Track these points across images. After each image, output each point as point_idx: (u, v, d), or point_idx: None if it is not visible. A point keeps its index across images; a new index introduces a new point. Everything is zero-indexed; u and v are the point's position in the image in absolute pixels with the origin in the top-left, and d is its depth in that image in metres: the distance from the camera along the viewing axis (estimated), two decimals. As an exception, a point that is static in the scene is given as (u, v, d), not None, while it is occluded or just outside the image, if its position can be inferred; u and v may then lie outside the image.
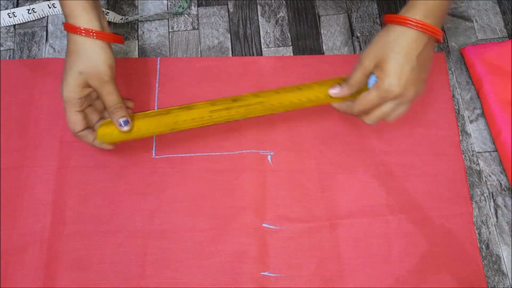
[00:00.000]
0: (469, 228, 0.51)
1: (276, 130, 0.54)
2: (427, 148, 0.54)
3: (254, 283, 0.49)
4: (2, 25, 0.59)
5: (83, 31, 0.45)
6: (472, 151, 0.54)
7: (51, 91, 0.56)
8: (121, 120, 0.47)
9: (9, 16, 0.59)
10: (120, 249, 0.50)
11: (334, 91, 0.48)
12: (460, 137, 0.54)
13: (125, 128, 0.47)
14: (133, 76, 0.56)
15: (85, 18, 0.45)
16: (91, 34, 0.45)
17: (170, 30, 0.59)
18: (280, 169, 0.53)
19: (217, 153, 0.53)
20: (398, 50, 0.44)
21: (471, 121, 0.55)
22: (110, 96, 0.47)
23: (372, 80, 0.46)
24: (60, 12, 0.60)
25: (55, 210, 0.51)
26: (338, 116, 0.55)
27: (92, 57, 0.46)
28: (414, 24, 0.44)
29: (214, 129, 0.54)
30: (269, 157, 0.53)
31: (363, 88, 0.47)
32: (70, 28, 0.45)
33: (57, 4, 0.59)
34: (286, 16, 0.60)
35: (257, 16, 0.60)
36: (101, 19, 0.47)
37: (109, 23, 0.59)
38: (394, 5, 0.60)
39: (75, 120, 0.47)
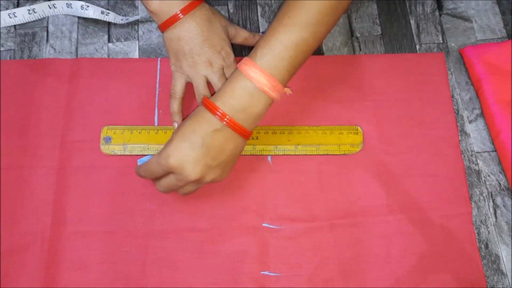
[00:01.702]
0: (469, 228, 0.51)
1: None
2: (426, 148, 0.54)
3: (254, 282, 0.49)
4: (3, 26, 0.59)
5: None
6: (471, 151, 0.54)
7: (52, 91, 0.56)
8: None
9: (9, 16, 0.59)
10: (120, 249, 0.50)
11: None
12: (459, 137, 0.55)
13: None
14: (133, 76, 0.56)
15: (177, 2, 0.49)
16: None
17: (170, 31, 0.59)
18: (280, 169, 0.53)
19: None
20: (188, 126, 0.44)
21: (470, 121, 0.55)
22: (242, 29, 0.55)
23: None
24: (61, 13, 0.60)
25: (55, 210, 0.51)
26: (338, 116, 0.55)
27: (216, 11, 0.53)
28: (220, 116, 0.43)
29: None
30: (269, 157, 0.53)
31: None
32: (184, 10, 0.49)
33: (58, 4, 0.59)
34: (286, 17, 0.60)
35: (257, 16, 0.60)
36: None
37: (109, 23, 0.60)
38: (393, 5, 0.61)
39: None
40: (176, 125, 0.52)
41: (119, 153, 0.53)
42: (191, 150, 0.43)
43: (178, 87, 0.52)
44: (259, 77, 0.43)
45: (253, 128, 0.46)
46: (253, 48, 0.46)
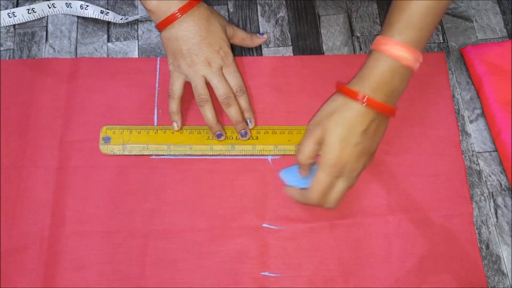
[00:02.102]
0: (469, 228, 0.51)
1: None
2: (427, 148, 0.54)
3: (254, 283, 0.49)
4: (2, 25, 0.59)
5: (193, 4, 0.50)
6: (472, 151, 0.54)
7: (51, 91, 0.56)
8: (259, 35, 0.57)
9: (9, 16, 0.59)
10: (120, 249, 0.50)
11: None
12: (460, 137, 0.54)
13: (266, 36, 0.58)
14: (133, 76, 0.56)
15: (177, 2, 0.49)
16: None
17: (170, 30, 0.59)
18: (280, 169, 0.53)
19: (217, 156, 0.53)
20: (341, 123, 0.44)
21: (471, 121, 0.55)
22: (240, 29, 0.56)
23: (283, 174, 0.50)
24: (60, 12, 0.59)
25: (55, 210, 0.51)
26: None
27: (215, 11, 0.53)
28: (361, 99, 0.43)
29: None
30: (269, 157, 0.53)
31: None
32: (182, 10, 0.49)
33: (57, 4, 0.59)
34: (286, 16, 0.60)
35: (257, 16, 0.60)
36: None
37: (109, 23, 0.59)
38: (394, 5, 0.60)
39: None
40: (175, 125, 0.52)
41: (118, 153, 0.52)
42: (355, 149, 0.44)
43: (177, 86, 0.52)
44: (403, 54, 0.43)
45: (395, 103, 0.46)
46: (383, 26, 0.45)
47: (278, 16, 0.60)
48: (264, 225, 0.51)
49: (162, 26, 0.50)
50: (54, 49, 0.58)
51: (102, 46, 0.59)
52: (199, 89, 0.50)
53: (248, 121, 0.53)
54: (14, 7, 0.60)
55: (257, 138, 0.53)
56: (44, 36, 0.59)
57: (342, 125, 0.44)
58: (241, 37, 0.55)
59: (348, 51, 0.58)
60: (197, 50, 0.50)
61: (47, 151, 0.53)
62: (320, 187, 0.46)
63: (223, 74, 0.51)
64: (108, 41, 0.59)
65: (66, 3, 0.59)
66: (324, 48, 0.58)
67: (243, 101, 0.52)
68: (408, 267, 0.49)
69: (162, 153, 0.53)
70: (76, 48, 0.59)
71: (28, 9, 0.59)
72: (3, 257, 0.50)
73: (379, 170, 0.53)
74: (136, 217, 0.51)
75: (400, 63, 0.43)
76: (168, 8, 0.49)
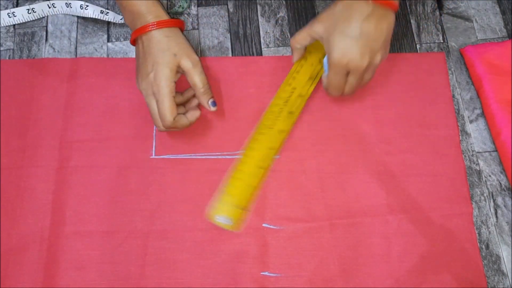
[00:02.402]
0: (469, 228, 0.51)
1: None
2: (427, 148, 0.54)
3: (254, 283, 0.49)
4: (2, 25, 0.59)
5: (167, 23, 0.49)
6: (472, 151, 0.54)
7: (51, 91, 0.56)
8: (210, 101, 0.51)
9: (8, 16, 0.59)
10: (120, 249, 0.50)
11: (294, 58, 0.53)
12: (460, 137, 0.54)
13: (214, 109, 0.51)
14: (132, 76, 0.56)
15: (158, 13, 0.49)
16: (172, 23, 0.50)
17: (170, 30, 0.59)
18: (280, 169, 0.53)
19: (217, 156, 0.53)
20: (342, 22, 0.46)
21: (471, 121, 0.55)
22: (201, 75, 0.50)
23: (325, 60, 0.49)
24: (60, 12, 0.59)
25: (54, 210, 0.51)
26: (339, 116, 0.55)
27: (181, 40, 0.50)
28: None
29: (214, 129, 0.54)
30: (269, 157, 0.53)
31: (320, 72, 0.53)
32: (153, 25, 0.48)
33: (57, 4, 0.59)
34: (286, 16, 0.60)
35: (257, 16, 0.60)
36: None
37: (109, 23, 0.59)
38: (394, 5, 0.60)
39: (173, 107, 0.48)
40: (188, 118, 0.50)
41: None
42: (354, 44, 0.46)
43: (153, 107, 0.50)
44: None
45: None
46: None
47: (278, 16, 0.60)
48: (264, 225, 0.51)
49: (131, 40, 0.51)
50: (54, 49, 0.58)
51: (102, 46, 0.59)
52: (150, 111, 0.50)
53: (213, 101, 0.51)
54: (14, 7, 0.60)
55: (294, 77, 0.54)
56: (44, 36, 0.59)
57: (343, 22, 0.46)
58: (194, 82, 0.49)
59: (348, 51, 0.58)
60: (139, 70, 0.50)
61: (47, 151, 0.53)
62: (332, 85, 0.50)
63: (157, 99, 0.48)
64: (108, 41, 0.59)
65: (66, 3, 0.59)
66: (324, 48, 0.58)
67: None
68: (408, 267, 0.49)
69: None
70: (76, 48, 0.59)
71: (28, 9, 0.59)
72: (3, 257, 0.50)
73: (379, 170, 0.53)
74: (136, 217, 0.51)
75: None
76: (135, 24, 0.50)
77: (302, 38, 0.51)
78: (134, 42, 0.51)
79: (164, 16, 0.50)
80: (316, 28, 0.49)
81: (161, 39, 0.49)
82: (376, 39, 0.46)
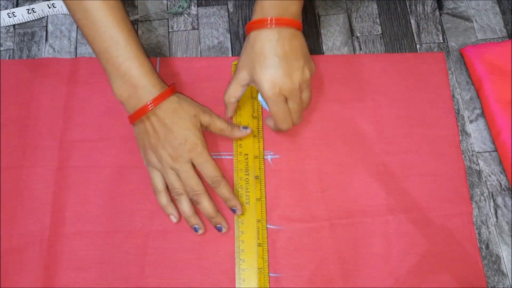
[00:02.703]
0: (469, 228, 0.51)
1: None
2: (427, 148, 0.54)
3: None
4: (2, 25, 0.59)
5: (169, 92, 0.49)
6: (472, 151, 0.54)
7: (51, 91, 0.56)
8: (242, 128, 0.52)
9: (8, 16, 0.59)
10: (120, 249, 0.50)
11: (228, 114, 0.53)
12: (460, 137, 0.54)
13: (249, 131, 0.53)
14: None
15: (162, 83, 0.49)
16: (173, 90, 0.50)
17: (170, 30, 0.59)
18: (280, 169, 0.53)
19: (216, 156, 0.53)
20: (258, 57, 0.46)
21: (471, 121, 0.55)
22: (220, 119, 0.52)
23: (259, 97, 0.49)
24: (60, 12, 0.59)
25: (54, 210, 0.51)
26: (338, 116, 0.55)
27: (188, 100, 0.51)
28: (260, 24, 0.46)
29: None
30: (269, 157, 0.53)
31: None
32: (162, 98, 0.48)
33: (57, 4, 0.59)
34: (286, 16, 0.60)
35: (257, 16, 0.60)
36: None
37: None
38: (394, 4, 0.60)
39: (215, 162, 0.50)
40: (172, 218, 0.50)
41: None
42: (278, 71, 0.46)
43: (157, 180, 0.50)
44: None
45: (300, 19, 0.48)
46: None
47: (278, 16, 0.60)
48: (264, 225, 0.51)
49: (132, 119, 0.49)
50: (54, 49, 0.58)
51: (102, 46, 0.58)
52: (172, 183, 0.49)
53: (234, 209, 0.50)
54: (14, 7, 0.60)
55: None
56: (44, 36, 0.59)
57: (259, 57, 0.46)
58: (219, 127, 0.51)
59: (348, 51, 0.58)
60: (163, 144, 0.48)
61: (47, 151, 0.53)
62: (279, 118, 0.48)
63: (193, 167, 0.49)
64: (108, 41, 0.59)
65: (66, 3, 0.59)
66: (324, 48, 0.58)
67: (221, 191, 0.50)
68: (407, 266, 0.49)
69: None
70: (76, 48, 0.59)
71: (28, 9, 0.59)
72: (3, 257, 0.50)
73: (379, 170, 0.53)
74: (136, 217, 0.51)
75: None
76: (137, 102, 0.48)
77: (234, 91, 0.50)
78: (134, 119, 0.49)
79: (163, 84, 0.49)
80: (241, 75, 0.48)
81: (175, 108, 0.48)
82: (296, 57, 0.46)
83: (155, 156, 0.49)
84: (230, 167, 0.53)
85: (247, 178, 0.52)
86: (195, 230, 0.50)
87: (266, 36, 0.46)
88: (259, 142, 0.53)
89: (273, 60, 0.46)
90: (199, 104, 0.51)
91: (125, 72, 0.47)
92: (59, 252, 0.50)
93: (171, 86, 0.49)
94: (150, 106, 0.47)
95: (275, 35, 0.46)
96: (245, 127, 0.52)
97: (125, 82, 0.48)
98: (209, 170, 0.49)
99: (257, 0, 0.47)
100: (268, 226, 0.51)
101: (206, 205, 0.49)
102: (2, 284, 0.49)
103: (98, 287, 0.49)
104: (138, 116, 0.48)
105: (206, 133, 0.52)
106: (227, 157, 0.53)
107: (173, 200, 0.50)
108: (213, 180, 0.49)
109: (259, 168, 0.52)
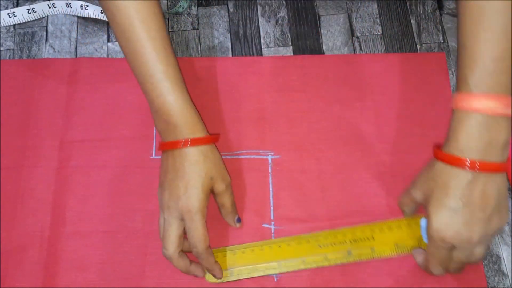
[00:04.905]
0: (469, 228, 0.51)
1: (277, 130, 0.54)
2: (427, 148, 0.54)
3: (254, 283, 0.49)
4: (2, 25, 0.59)
5: (205, 141, 0.46)
6: (472, 151, 0.54)
7: (51, 91, 0.56)
8: (236, 219, 0.49)
9: (9, 16, 0.59)
10: (120, 249, 0.50)
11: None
12: (460, 137, 0.54)
13: (238, 225, 0.50)
14: (133, 76, 0.56)
15: (199, 127, 0.46)
16: (209, 140, 0.46)
17: (170, 30, 0.59)
18: (280, 169, 0.53)
19: (230, 157, 0.53)
20: (440, 190, 0.41)
21: (471, 121, 0.55)
22: (231, 196, 0.49)
23: (423, 223, 0.45)
24: (60, 12, 0.60)
25: (55, 210, 0.51)
26: (339, 116, 0.55)
27: (217, 160, 0.47)
28: (469, 166, 0.40)
29: (214, 130, 0.54)
30: (269, 157, 0.53)
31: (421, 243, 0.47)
32: (192, 142, 0.45)
33: (57, 4, 0.59)
34: (286, 16, 0.60)
35: (257, 16, 0.60)
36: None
37: (109, 23, 0.59)
38: (394, 5, 0.60)
39: (206, 235, 0.44)
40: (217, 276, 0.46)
41: (226, 280, 0.48)
42: (455, 217, 0.40)
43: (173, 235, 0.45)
44: (488, 104, 0.39)
45: (506, 156, 0.41)
46: (457, 79, 0.43)
47: (278, 16, 0.60)
48: (264, 225, 0.51)
49: (162, 147, 0.47)
50: (54, 49, 0.58)
51: (102, 46, 0.59)
52: (160, 224, 0.47)
53: (214, 275, 0.47)
54: (14, 7, 0.60)
55: (373, 238, 0.49)
56: (44, 36, 0.59)
57: (441, 190, 0.41)
58: (224, 203, 0.48)
59: (348, 51, 0.58)
60: (169, 184, 0.45)
61: (47, 151, 0.53)
62: (432, 261, 0.44)
63: (180, 227, 0.45)
64: (108, 41, 0.59)
65: (66, 3, 0.59)
66: (324, 48, 0.59)
67: (202, 262, 0.46)
68: (407, 267, 0.49)
69: (273, 272, 0.48)
70: (76, 48, 0.59)
71: (28, 9, 0.59)
72: (3, 257, 0.50)
73: (379, 170, 0.53)
74: (136, 217, 0.51)
75: (487, 114, 0.40)
76: (171, 136, 0.46)
77: (406, 203, 0.47)
78: (164, 148, 0.47)
79: (202, 131, 0.46)
80: (415, 194, 0.45)
81: (198, 159, 0.45)
82: (485, 208, 0.40)
83: (160, 190, 0.47)
84: (244, 167, 0.53)
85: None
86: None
87: (457, 173, 0.41)
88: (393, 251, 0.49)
89: (454, 203, 0.40)
90: (223, 169, 0.48)
91: (159, 107, 0.46)
92: (59, 252, 0.50)
93: (213, 136, 0.47)
94: (182, 144, 0.45)
95: (468, 177, 0.40)
96: (238, 220, 0.49)
97: (159, 116, 0.46)
98: (194, 238, 0.44)
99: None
100: (268, 226, 0.51)
101: (175, 265, 0.46)
102: (2, 284, 0.49)
103: (98, 287, 0.49)
104: (168, 147, 0.46)
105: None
106: (227, 157, 0.53)
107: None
108: (194, 251, 0.45)
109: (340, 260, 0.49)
